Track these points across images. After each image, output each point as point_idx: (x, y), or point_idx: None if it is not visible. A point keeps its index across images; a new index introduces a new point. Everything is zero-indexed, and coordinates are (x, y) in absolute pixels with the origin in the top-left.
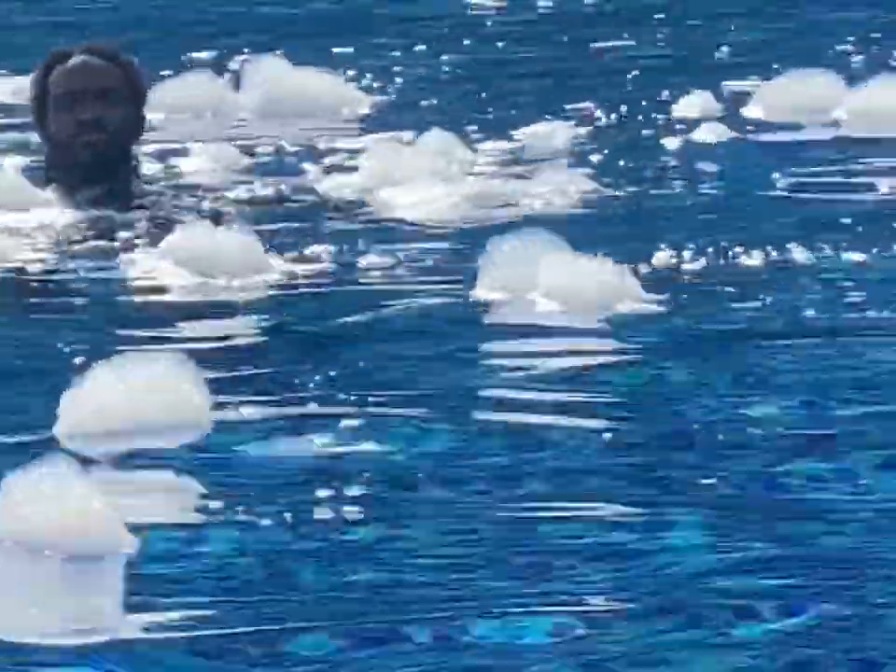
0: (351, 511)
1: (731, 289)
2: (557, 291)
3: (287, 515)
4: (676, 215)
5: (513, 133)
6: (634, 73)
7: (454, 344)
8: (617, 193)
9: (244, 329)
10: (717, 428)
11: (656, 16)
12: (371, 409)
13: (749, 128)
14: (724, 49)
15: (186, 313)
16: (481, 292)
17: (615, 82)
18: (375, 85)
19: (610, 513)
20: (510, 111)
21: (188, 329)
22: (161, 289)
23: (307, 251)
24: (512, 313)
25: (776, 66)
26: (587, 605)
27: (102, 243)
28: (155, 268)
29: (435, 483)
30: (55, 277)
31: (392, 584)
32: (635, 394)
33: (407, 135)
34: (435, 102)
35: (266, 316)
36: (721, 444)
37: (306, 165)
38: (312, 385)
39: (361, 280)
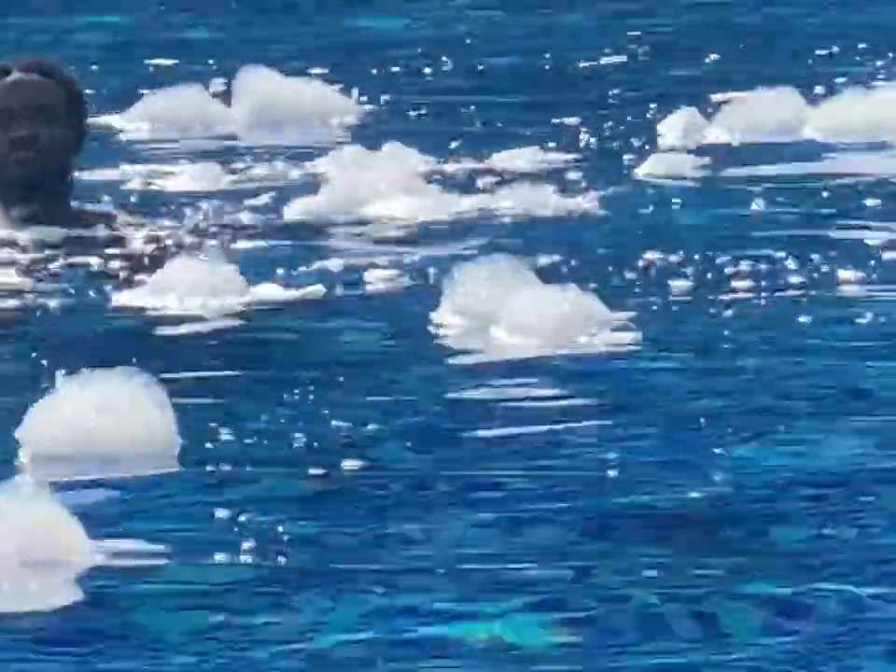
0: (312, 536)
1: (706, 313)
2: (520, 321)
3: (251, 545)
4: (645, 236)
5: (490, 150)
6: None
7: (417, 374)
8: (586, 212)
9: (200, 355)
10: (688, 459)
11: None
12: (332, 437)
13: (716, 146)
14: (695, 66)
15: (135, 335)
16: (444, 319)
17: (587, 101)
18: (365, 95)
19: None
20: (495, 127)
21: (141, 352)
22: (101, 311)
23: (269, 275)
24: (474, 342)
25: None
26: None
27: (38, 262)
28: (92, 287)
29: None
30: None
31: None
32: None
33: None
34: (423, 112)
35: (217, 341)
36: (690, 478)
37: (278, 181)
38: (274, 412)
39: (326, 305)
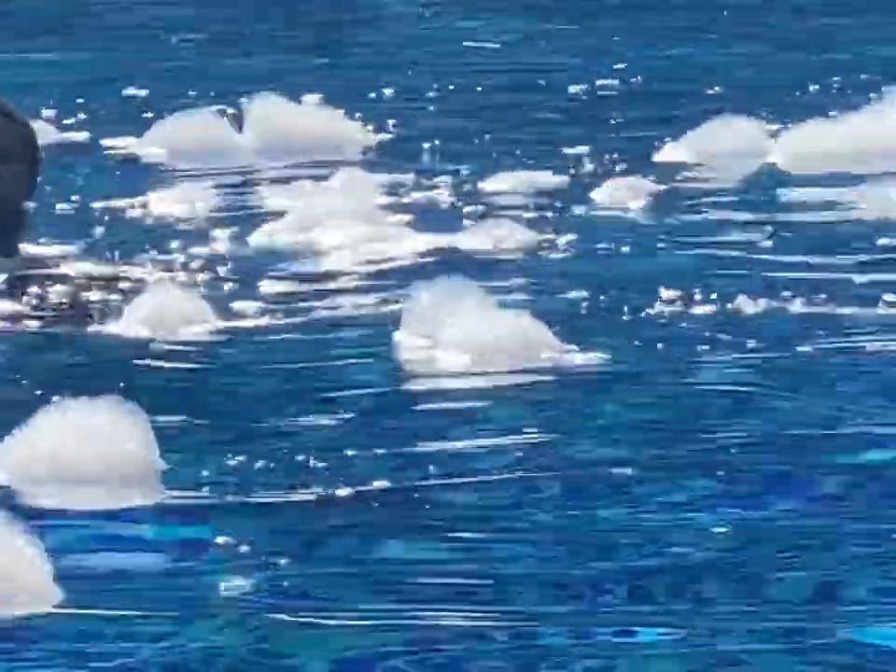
0: (296, 558)
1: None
2: (474, 342)
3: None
4: (613, 266)
5: (488, 179)
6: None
7: (376, 400)
8: (548, 243)
9: (170, 382)
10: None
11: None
12: (305, 462)
13: (682, 176)
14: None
15: (117, 365)
16: (403, 340)
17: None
18: (376, 122)
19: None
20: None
21: (125, 380)
22: (71, 343)
23: (235, 302)
24: (431, 363)
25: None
26: None
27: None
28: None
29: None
30: None
31: None
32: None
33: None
34: (437, 143)
35: (198, 366)
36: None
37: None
38: (247, 436)
39: (292, 331)
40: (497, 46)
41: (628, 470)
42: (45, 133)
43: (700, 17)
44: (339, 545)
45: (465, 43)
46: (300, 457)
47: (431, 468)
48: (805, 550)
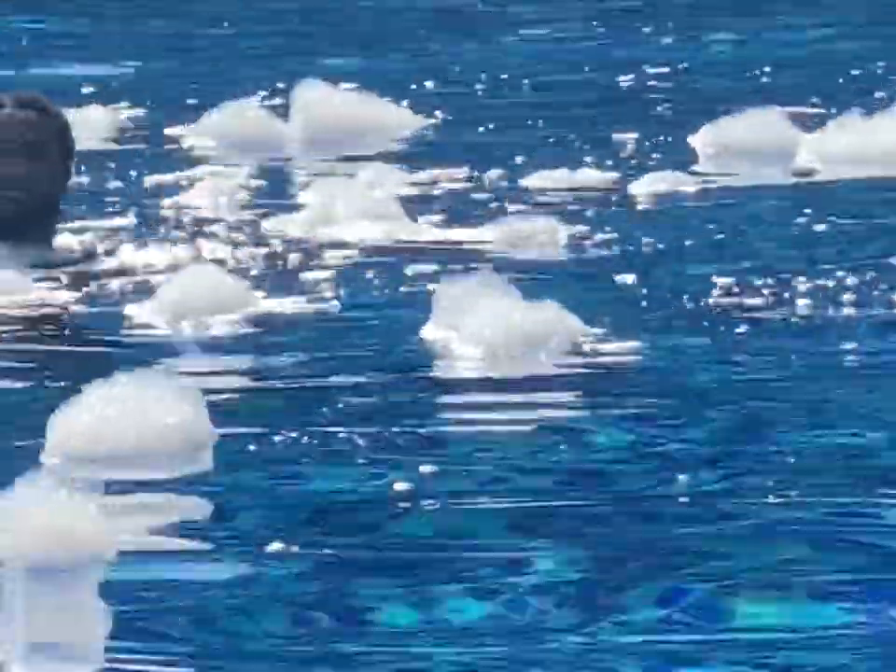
0: (351, 544)
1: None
2: (501, 335)
3: (286, 546)
4: (648, 259)
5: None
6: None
7: (408, 394)
8: (584, 236)
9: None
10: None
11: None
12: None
13: (722, 170)
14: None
15: (169, 350)
16: (431, 334)
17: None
18: (423, 108)
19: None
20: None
21: (176, 364)
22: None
23: (275, 289)
24: (460, 359)
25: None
26: None
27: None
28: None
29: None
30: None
31: None
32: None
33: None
34: (480, 130)
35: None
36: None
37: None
38: (298, 419)
39: (320, 320)
40: (548, 34)
41: (659, 460)
42: (98, 119)
43: (752, 6)
44: (383, 524)
45: (520, 31)
46: (342, 435)
47: (462, 460)
48: None
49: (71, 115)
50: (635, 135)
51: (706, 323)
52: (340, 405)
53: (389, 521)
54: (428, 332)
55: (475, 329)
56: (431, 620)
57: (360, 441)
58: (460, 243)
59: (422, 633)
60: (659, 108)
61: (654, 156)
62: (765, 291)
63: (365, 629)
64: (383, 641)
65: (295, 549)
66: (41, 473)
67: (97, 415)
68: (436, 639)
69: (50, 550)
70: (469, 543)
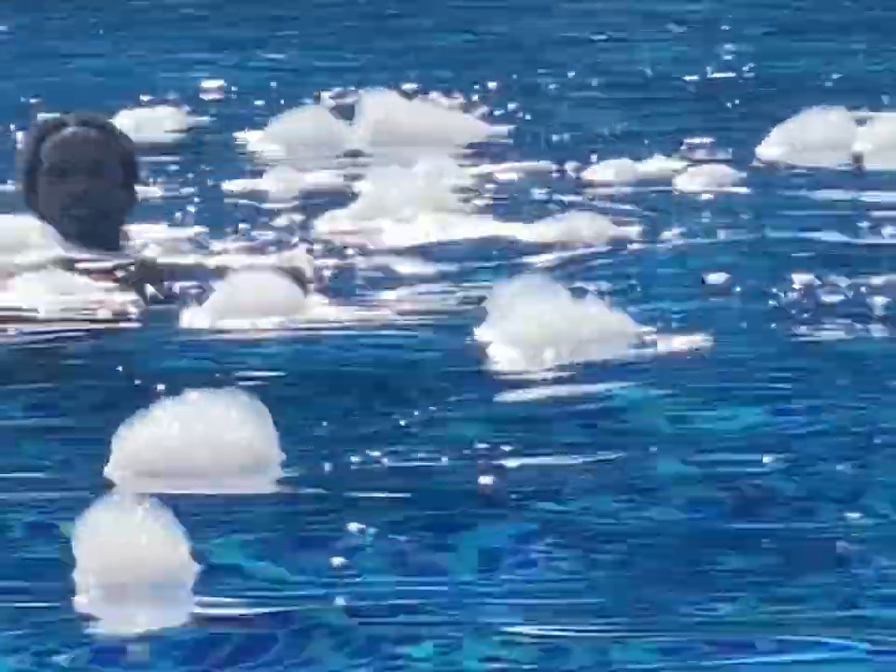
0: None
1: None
2: (555, 336)
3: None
4: (703, 257)
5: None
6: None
7: (459, 395)
8: (632, 237)
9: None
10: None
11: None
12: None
13: (768, 169)
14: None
15: (235, 356)
16: (485, 338)
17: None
18: (491, 115)
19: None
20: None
21: (240, 371)
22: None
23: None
24: (515, 360)
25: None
26: None
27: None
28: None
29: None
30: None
31: None
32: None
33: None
34: (541, 132)
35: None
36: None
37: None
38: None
39: (375, 326)
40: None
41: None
42: (168, 123)
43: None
44: (452, 528)
45: (590, 36)
46: (414, 453)
47: (521, 458)
48: None
49: (136, 117)
50: (701, 132)
51: (772, 324)
52: (404, 408)
53: None
54: (482, 333)
55: (526, 329)
56: None
57: (439, 461)
58: (515, 241)
59: None
60: (728, 105)
61: (719, 153)
62: (842, 286)
63: None
64: None
65: None
66: (114, 490)
67: (165, 432)
68: None
69: (133, 569)
70: None
